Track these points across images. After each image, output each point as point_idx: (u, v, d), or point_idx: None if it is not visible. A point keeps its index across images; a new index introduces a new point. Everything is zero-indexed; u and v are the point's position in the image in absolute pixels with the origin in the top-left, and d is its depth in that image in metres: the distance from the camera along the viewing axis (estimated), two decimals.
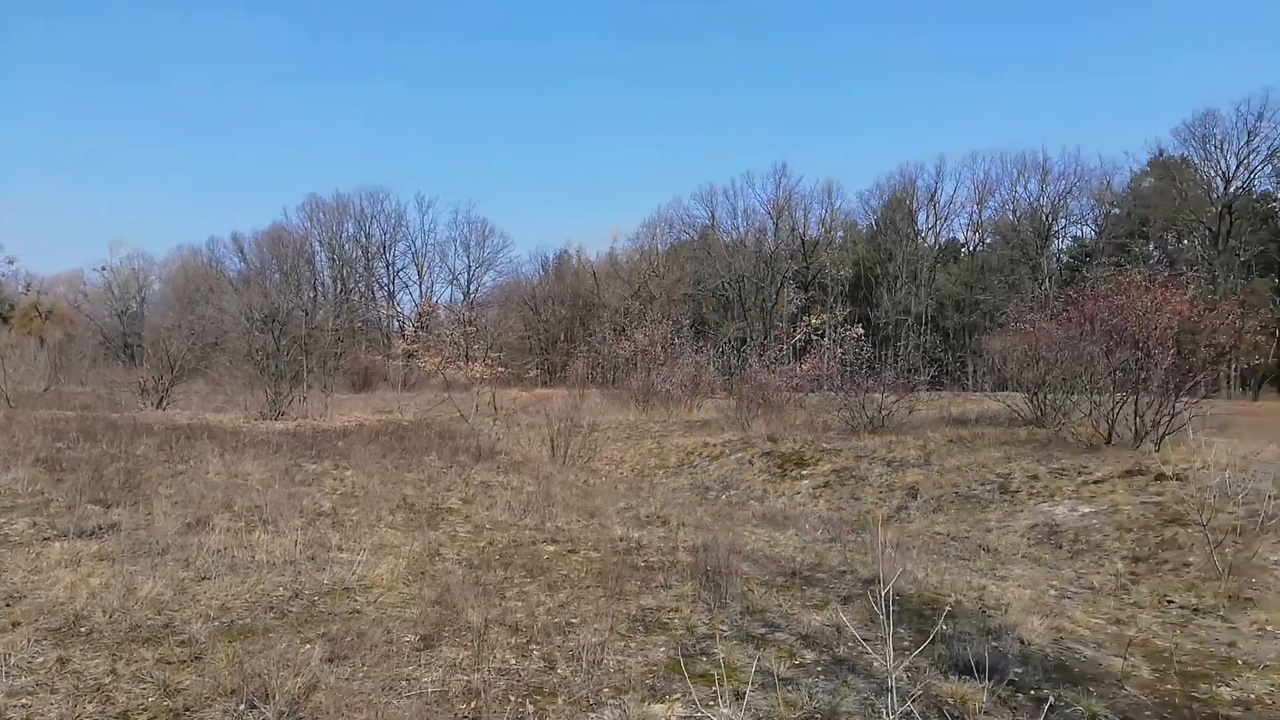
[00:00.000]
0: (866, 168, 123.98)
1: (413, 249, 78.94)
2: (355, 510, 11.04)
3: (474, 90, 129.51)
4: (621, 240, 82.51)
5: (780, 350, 49.58)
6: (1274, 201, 50.37)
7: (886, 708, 4.57)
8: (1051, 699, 5.34)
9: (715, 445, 19.33)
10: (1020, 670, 5.85)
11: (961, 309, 55.65)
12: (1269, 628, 7.52)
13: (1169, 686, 5.75)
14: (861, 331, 50.96)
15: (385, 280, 79.07)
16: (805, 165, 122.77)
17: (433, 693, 5.25)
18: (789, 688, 5.42)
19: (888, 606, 4.60)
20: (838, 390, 22.90)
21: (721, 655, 6.05)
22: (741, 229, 67.22)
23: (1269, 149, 47.47)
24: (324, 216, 77.41)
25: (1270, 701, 5.57)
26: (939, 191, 61.93)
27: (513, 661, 5.85)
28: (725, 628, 6.75)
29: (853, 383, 21.71)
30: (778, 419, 22.82)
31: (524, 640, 6.27)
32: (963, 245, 63.77)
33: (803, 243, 64.93)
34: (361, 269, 77.94)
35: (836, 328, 53.10)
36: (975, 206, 61.42)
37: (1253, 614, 7.88)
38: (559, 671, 5.67)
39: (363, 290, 78.36)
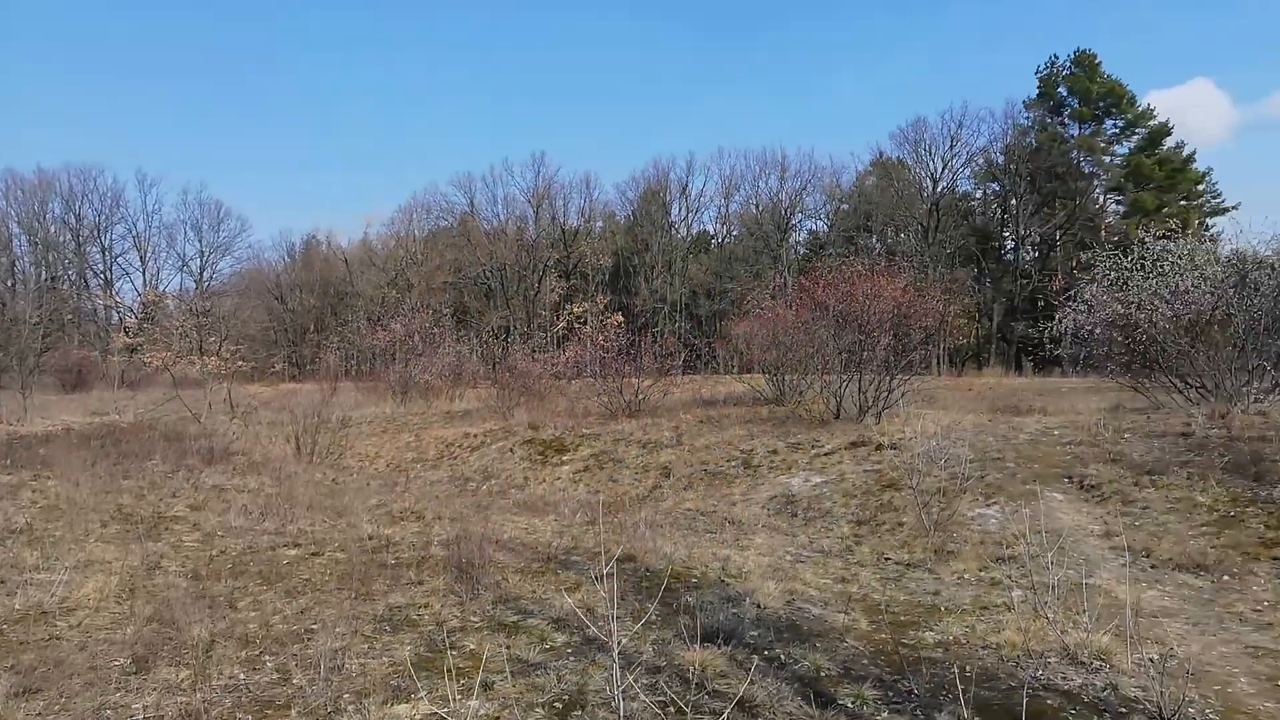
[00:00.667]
0: (622, 160, 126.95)
1: (133, 232, 71.11)
2: (58, 525, 9.75)
3: (206, 67, 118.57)
4: (376, 227, 79.09)
5: (543, 338, 49.79)
6: (973, 200, 57.47)
7: (626, 684, 4.67)
8: (782, 656, 5.71)
9: (476, 435, 19.05)
10: (756, 633, 6.21)
11: (712, 297, 58.68)
12: (966, 576, 8.50)
13: (882, 635, 6.33)
14: (622, 319, 52.30)
15: (101, 267, 70.73)
16: (564, 155, 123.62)
17: (145, 719, 4.72)
18: (539, 672, 5.41)
19: (611, 584, 4.68)
20: (598, 376, 23.32)
21: (472, 647, 5.93)
22: (502, 217, 66.74)
23: (968, 154, 54.13)
24: (23, 195, 67.88)
25: (965, 641, 6.28)
26: (690, 185, 64.84)
27: (241, 676, 5.39)
28: (477, 619, 6.63)
29: (612, 369, 22.18)
30: (540, 407, 22.88)
31: (255, 652, 5.81)
32: (713, 236, 67.19)
33: (563, 232, 65.53)
34: (71, 254, 69.19)
35: (598, 315, 54.10)
36: (723, 200, 64.92)
37: (953, 565, 8.88)
38: (294, 682, 5.29)
39: (73, 278, 69.62)
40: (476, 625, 6.48)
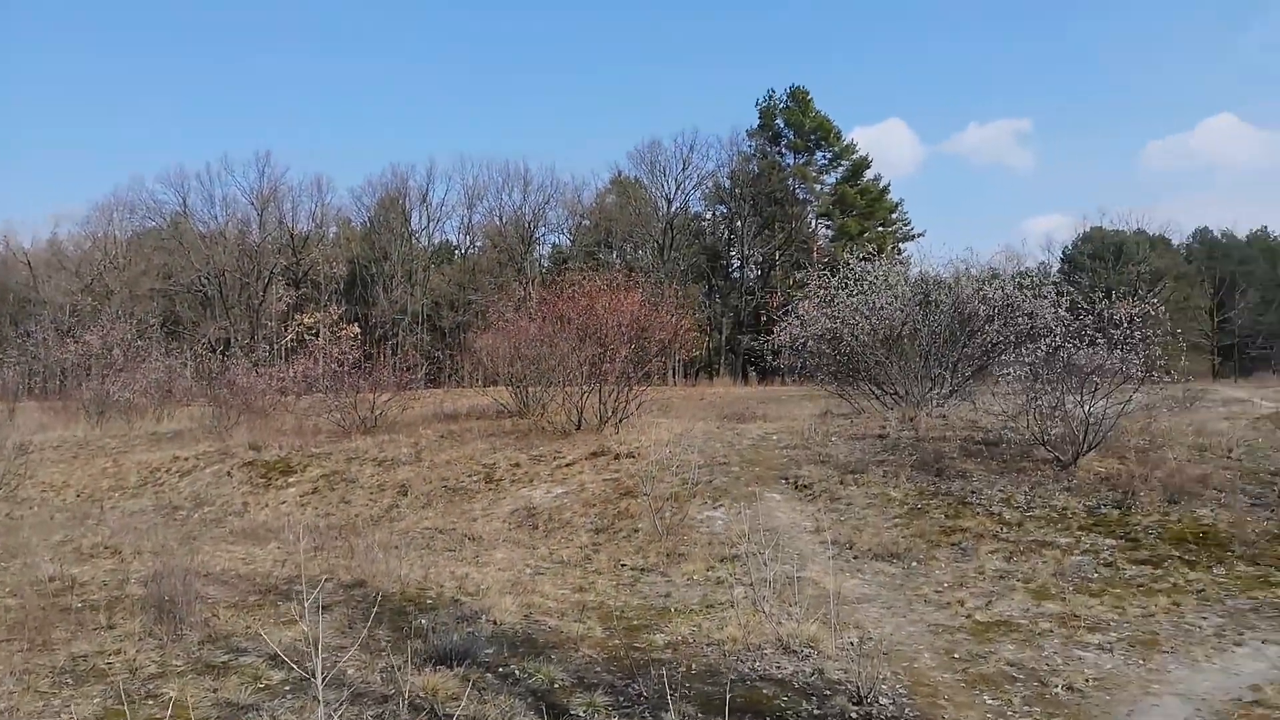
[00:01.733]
0: (356, 164, 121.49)
1: None
2: None
3: None
4: (67, 226, 69.61)
5: (269, 351, 46.37)
6: (704, 220, 61.09)
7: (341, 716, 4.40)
8: (517, 672, 5.65)
9: (188, 458, 17.31)
10: (492, 650, 6.11)
11: (456, 308, 57.70)
12: (695, 577, 8.91)
13: (616, 641, 6.47)
14: (358, 331, 49.94)
15: None
16: (291, 157, 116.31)
17: None
18: (249, 715, 4.96)
19: (314, 611, 4.42)
20: (330, 392, 22.05)
21: (173, 694, 5.33)
22: (221, 219, 61.45)
23: (698, 177, 57.51)
24: None
25: (692, 640, 6.56)
26: (431, 193, 63.35)
27: None
28: (180, 662, 5.98)
29: (347, 383, 21.07)
30: (263, 425, 21.21)
31: None
32: (456, 247, 66.15)
33: (292, 237, 61.54)
34: None
35: (331, 327, 51.29)
36: (466, 210, 64.08)
37: (684, 567, 9.28)
38: None
39: None
40: (179, 669, 5.84)
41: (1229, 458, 13.17)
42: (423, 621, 6.76)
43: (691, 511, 11.21)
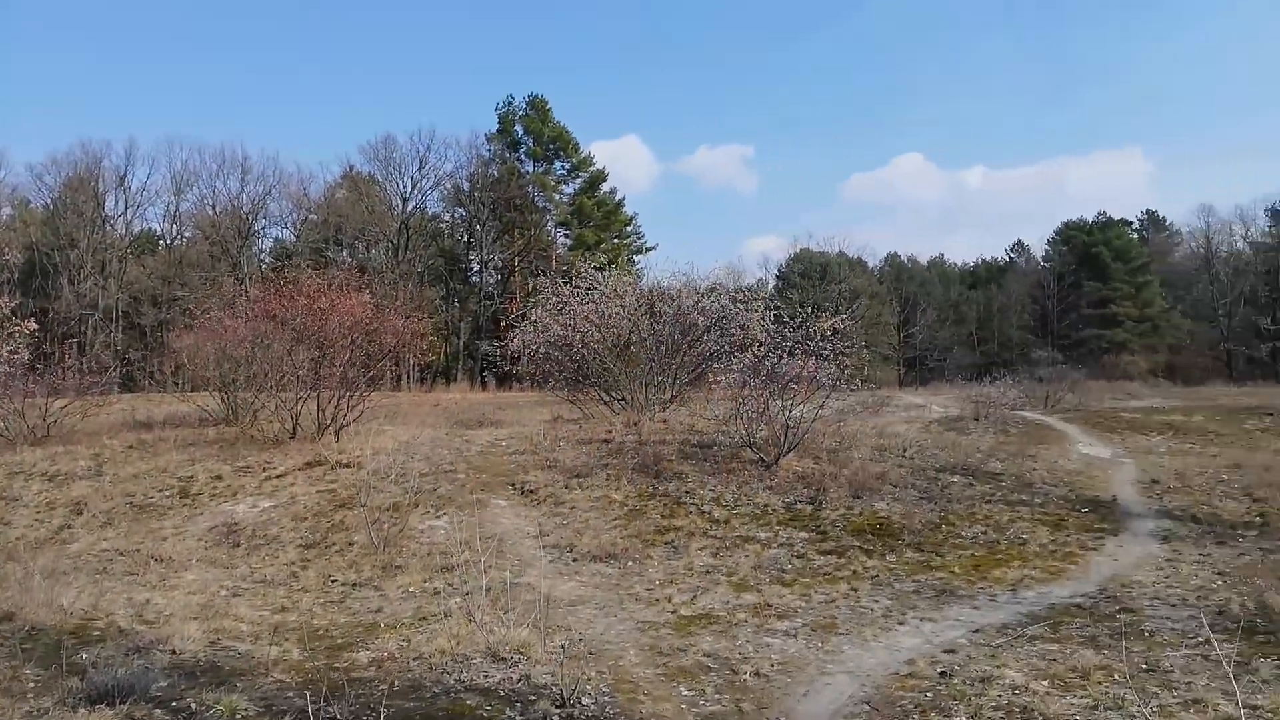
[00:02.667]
0: (38, 137, 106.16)
1: None
2: None
3: None
4: None
5: None
6: (442, 223, 59.77)
7: None
8: (194, 705, 5.12)
9: None
10: (166, 683, 5.50)
11: (159, 305, 52.06)
12: (411, 589, 8.61)
13: (315, 663, 6.06)
14: (36, 326, 43.61)
15: None
16: None
17: None
18: None
19: None
20: None
21: None
22: None
23: (436, 177, 56.12)
24: None
25: (399, 655, 6.30)
26: (130, 176, 56.60)
27: None
28: None
29: (15, 386, 18.27)
30: None
31: None
32: (160, 236, 59.69)
33: None
34: None
35: (3, 322, 44.38)
36: (173, 196, 57.98)
37: (400, 579, 8.94)
38: None
39: None
40: None
41: (904, 457, 14.92)
42: (84, 656, 5.95)
43: (413, 522, 10.86)
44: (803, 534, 10.41)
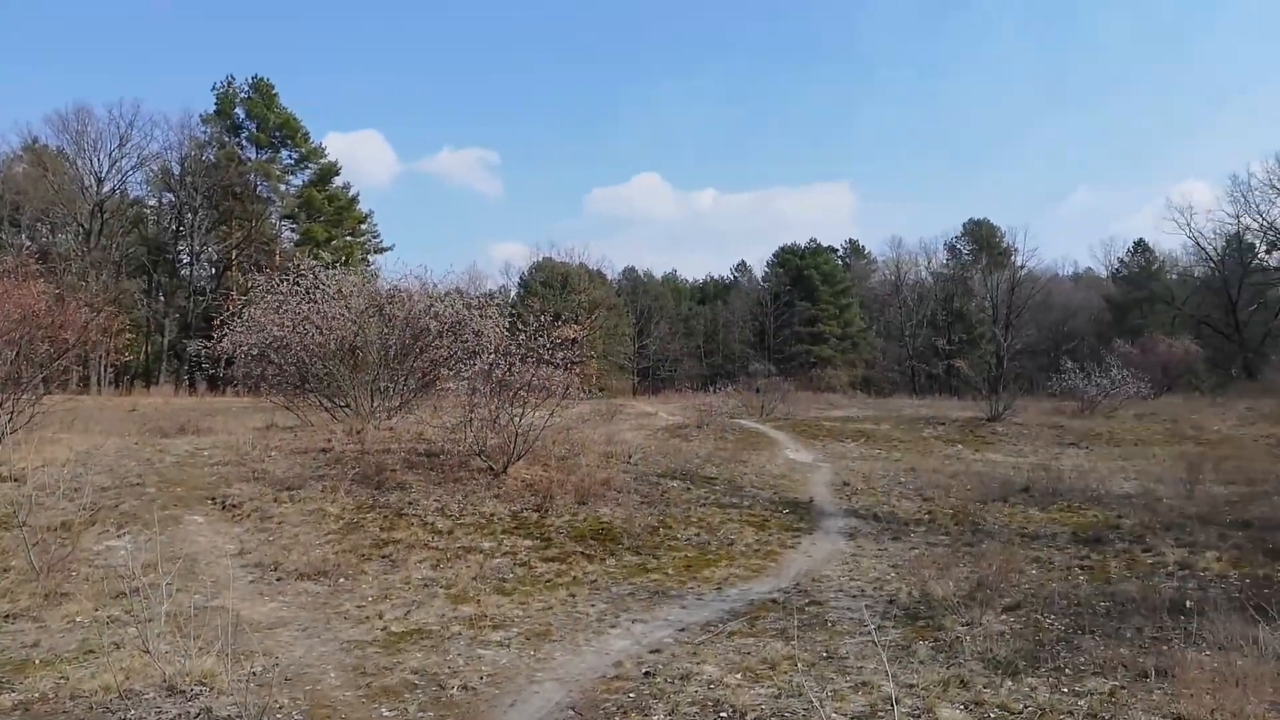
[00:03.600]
0: None
1: None
2: None
3: None
4: None
5: None
6: (146, 208, 53.68)
7: None
8: None
9: None
10: None
11: None
12: (79, 618, 7.56)
13: None
14: None
15: None
16: None
17: None
18: None
19: None
20: None
21: None
22: None
23: (140, 157, 50.23)
24: None
25: (54, 695, 5.50)
26: None
27: None
28: None
29: None
30: None
31: None
32: None
33: None
34: None
35: None
36: None
37: (66, 608, 7.82)
38: None
39: None
40: None
41: (629, 463, 15.44)
42: None
43: (86, 542, 9.58)
44: (527, 542, 10.41)
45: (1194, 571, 9.05)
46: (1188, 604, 7.22)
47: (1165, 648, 6.11)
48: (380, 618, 7.51)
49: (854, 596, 8.36)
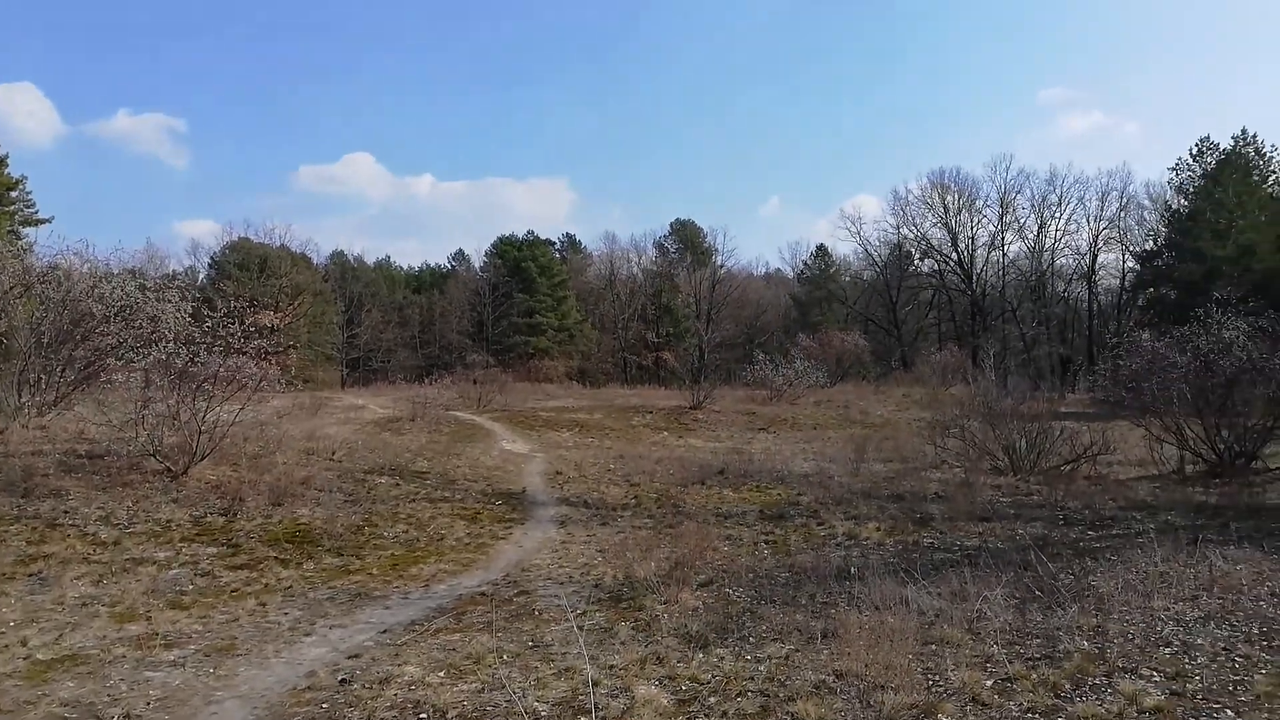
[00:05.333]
0: None
1: None
2: None
3: None
4: None
5: None
6: None
7: None
8: None
9: None
10: None
11: None
12: None
13: None
14: None
15: None
16: None
17: None
18: None
19: None
20: None
21: None
22: None
23: None
24: None
25: None
26: None
27: None
28: None
29: None
30: None
31: None
32: None
33: None
34: None
35: None
36: None
37: None
38: None
39: None
40: None
41: (333, 459, 14.63)
42: None
43: None
44: (211, 549, 9.47)
45: (858, 541, 10.18)
46: (852, 570, 8.08)
47: (833, 611, 6.77)
48: (24, 644, 6.46)
49: (561, 584, 8.48)
